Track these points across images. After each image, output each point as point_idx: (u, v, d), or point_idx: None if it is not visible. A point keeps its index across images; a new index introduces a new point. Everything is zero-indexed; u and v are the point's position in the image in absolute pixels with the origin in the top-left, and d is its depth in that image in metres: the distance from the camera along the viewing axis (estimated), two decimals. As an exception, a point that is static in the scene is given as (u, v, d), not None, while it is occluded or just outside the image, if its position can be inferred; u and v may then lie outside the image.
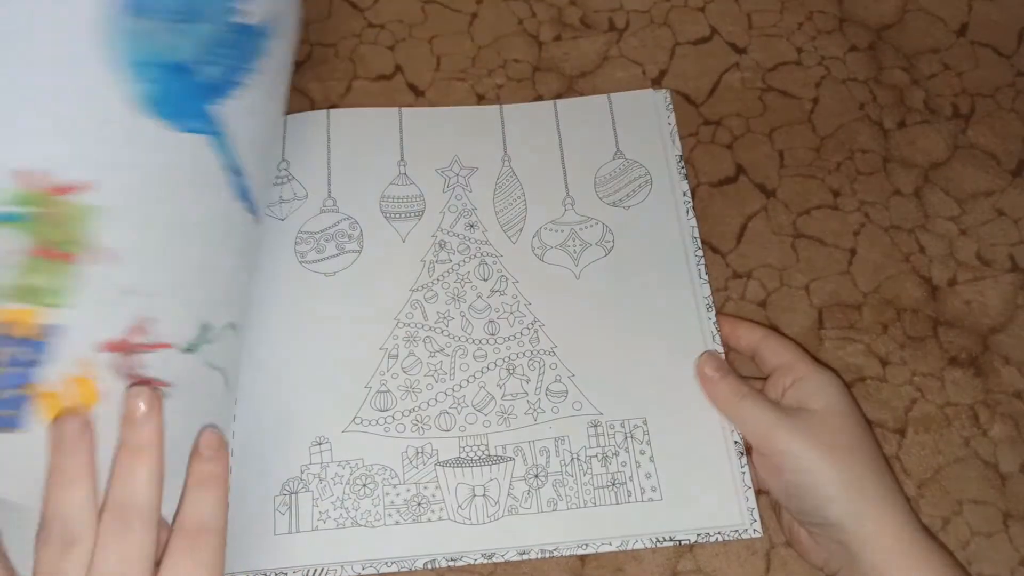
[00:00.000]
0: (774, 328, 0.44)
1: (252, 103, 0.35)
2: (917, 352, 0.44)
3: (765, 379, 0.40)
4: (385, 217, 0.44)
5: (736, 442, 0.39)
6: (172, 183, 0.32)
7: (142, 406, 0.29)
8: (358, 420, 0.39)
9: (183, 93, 0.32)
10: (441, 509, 0.38)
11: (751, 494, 0.38)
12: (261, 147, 0.37)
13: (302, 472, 0.38)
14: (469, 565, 0.37)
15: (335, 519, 0.37)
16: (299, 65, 0.51)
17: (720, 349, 0.41)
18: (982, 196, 0.47)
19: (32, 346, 0.28)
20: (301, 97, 0.50)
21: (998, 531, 0.40)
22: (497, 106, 0.48)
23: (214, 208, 0.34)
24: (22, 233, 0.28)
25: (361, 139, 0.46)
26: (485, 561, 0.37)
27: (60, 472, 0.28)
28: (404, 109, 0.47)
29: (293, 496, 0.38)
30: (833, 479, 0.35)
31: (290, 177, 0.45)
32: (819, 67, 0.51)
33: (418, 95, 0.50)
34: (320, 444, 0.39)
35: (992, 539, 0.40)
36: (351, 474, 0.38)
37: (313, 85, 0.51)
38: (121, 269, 0.30)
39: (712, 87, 0.50)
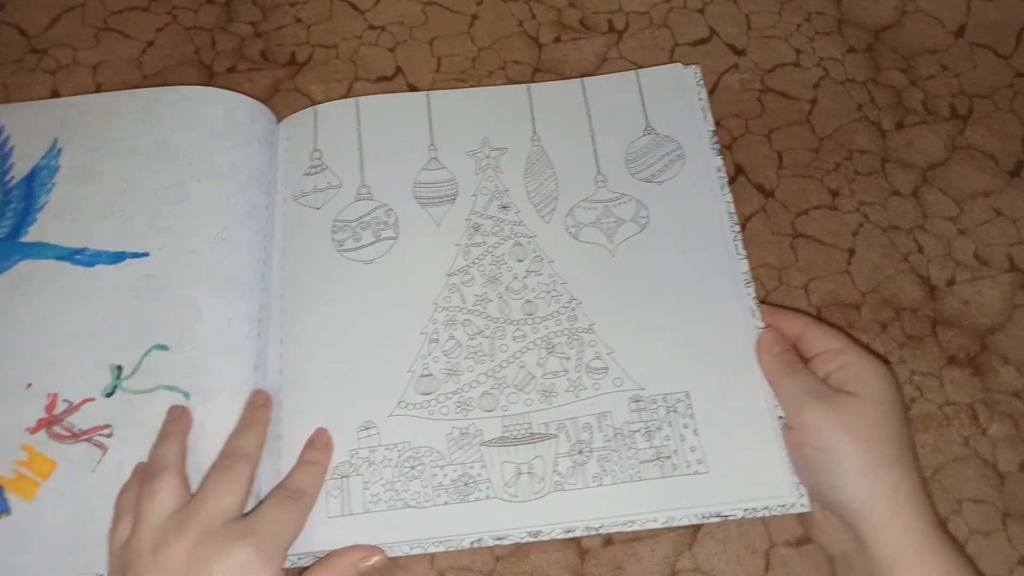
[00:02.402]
0: (817, 316, 0.43)
1: (62, 208, 0.44)
2: (916, 351, 0.44)
3: (807, 362, 0.39)
4: (419, 203, 0.45)
5: (780, 417, 0.38)
6: (19, 299, 0.42)
7: (260, 399, 0.40)
8: (403, 404, 0.40)
9: None
10: (488, 488, 0.38)
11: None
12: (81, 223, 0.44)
13: (351, 456, 0.39)
14: (516, 543, 0.37)
15: (386, 501, 0.38)
16: (300, 67, 0.52)
17: (760, 325, 0.40)
18: (980, 196, 0.48)
19: None
20: (302, 98, 0.51)
21: (997, 530, 0.40)
22: (525, 85, 0.48)
23: (52, 298, 0.42)
24: None
25: (391, 125, 0.47)
26: (531, 539, 0.37)
27: (159, 437, 0.38)
28: (431, 92, 0.48)
29: (344, 480, 0.38)
30: (852, 462, 0.35)
31: (323, 166, 0.46)
32: (817, 68, 0.51)
33: (418, 96, 0.51)
34: (368, 429, 0.39)
35: (991, 538, 0.40)
36: (399, 457, 0.39)
37: (314, 86, 0.51)
38: (4, 381, 0.40)
39: (711, 88, 0.51)
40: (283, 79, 0.51)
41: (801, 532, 0.40)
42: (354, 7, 0.54)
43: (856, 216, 0.47)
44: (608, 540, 0.40)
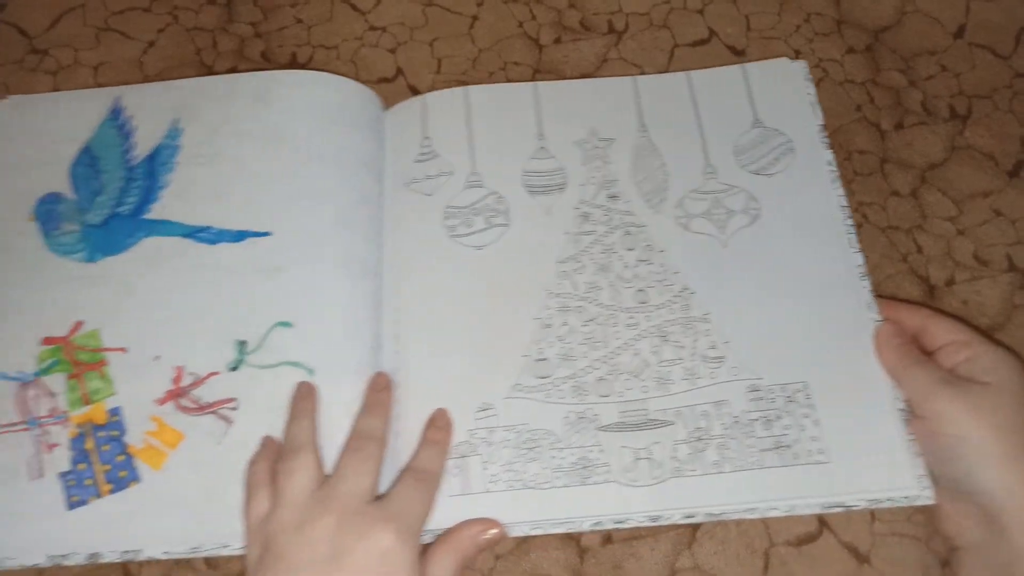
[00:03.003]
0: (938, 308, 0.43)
1: (184, 188, 0.45)
2: (915, 351, 0.44)
3: (930, 355, 0.39)
4: (528, 191, 0.45)
5: (901, 409, 0.38)
6: (145, 274, 0.43)
7: (383, 382, 0.40)
8: (519, 387, 0.40)
9: (119, 231, 0.44)
10: (607, 472, 0.38)
11: (920, 461, 0.37)
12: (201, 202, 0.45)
13: (470, 436, 0.39)
14: (635, 527, 0.38)
15: (506, 481, 0.38)
16: (301, 68, 0.52)
17: (877, 318, 0.41)
18: (979, 197, 0.48)
19: (112, 426, 0.40)
20: (303, 99, 0.51)
21: (996, 529, 0.40)
22: (631, 78, 0.48)
23: (177, 273, 0.43)
24: (62, 371, 0.41)
25: (499, 115, 0.47)
26: (651, 524, 0.37)
27: (291, 414, 0.39)
28: (539, 83, 0.48)
29: (464, 459, 0.39)
30: (989, 449, 0.35)
31: (434, 154, 0.46)
32: (817, 69, 0.51)
33: (419, 97, 0.51)
34: (485, 410, 0.40)
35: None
36: (517, 438, 0.39)
37: (315, 87, 0.51)
38: (133, 353, 0.41)
39: (711, 89, 0.51)
40: (284, 80, 0.51)
41: (802, 531, 0.40)
42: (355, 8, 0.54)
43: (855, 216, 0.47)
44: (608, 538, 0.40)
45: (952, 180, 0.48)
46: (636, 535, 0.40)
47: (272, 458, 0.38)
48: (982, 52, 0.52)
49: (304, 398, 0.39)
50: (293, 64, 0.52)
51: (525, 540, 0.40)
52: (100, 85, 0.51)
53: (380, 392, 0.40)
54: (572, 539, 0.40)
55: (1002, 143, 0.49)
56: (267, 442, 0.39)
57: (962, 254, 0.46)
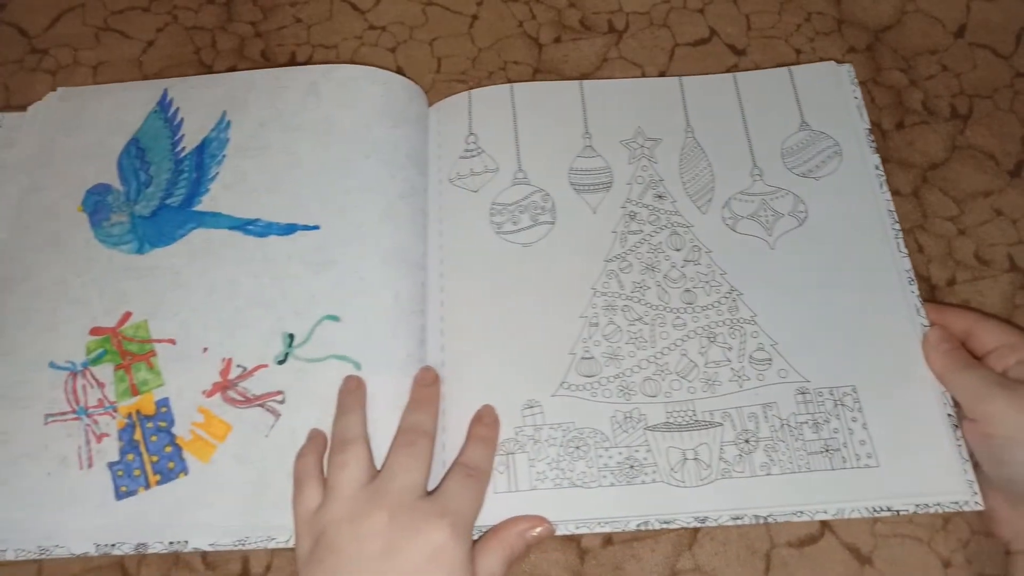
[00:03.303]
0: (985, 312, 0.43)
1: (233, 180, 0.46)
2: (916, 351, 0.44)
3: (980, 359, 0.39)
4: (575, 190, 0.45)
5: (949, 415, 0.38)
6: (194, 266, 0.43)
7: (430, 376, 0.40)
8: (565, 385, 0.40)
9: (168, 223, 0.45)
10: (654, 471, 0.38)
11: (969, 466, 0.37)
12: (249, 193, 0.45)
13: (516, 434, 0.39)
14: (683, 527, 0.38)
15: (552, 479, 0.38)
16: (301, 67, 0.52)
17: (925, 322, 0.41)
18: (980, 196, 0.48)
19: (160, 417, 0.40)
20: (302, 98, 0.51)
21: (998, 530, 0.40)
22: (676, 78, 0.48)
23: (226, 266, 0.43)
24: (110, 361, 0.41)
25: (545, 112, 0.47)
26: (698, 524, 0.37)
27: (340, 408, 0.39)
28: (584, 82, 0.48)
29: (510, 456, 0.39)
30: None
31: (479, 150, 0.46)
32: (818, 68, 0.51)
33: (419, 96, 0.51)
34: (532, 407, 0.40)
35: (992, 538, 0.40)
36: (564, 436, 0.39)
37: (314, 86, 0.51)
38: (181, 344, 0.41)
39: (711, 88, 0.51)
40: (283, 79, 0.51)
41: (803, 532, 0.40)
42: (354, 7, 0.54)
43: (856, 216, 0.47)
44: (608, 540, 0.40)
45: (953, 180, 0.48)
46: (637, 536, 0.40)
47: (320, 451, 0.38)
48: (983, 52, 0.52)
49: (352, 392, 0.39)
50: (292, 63, 0.52)
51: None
52: (99, 84, 0.51)
53: (428, 387, 0.40)
54: (572, 540, 0.40)
55: (1003, 143, 0.49)
56: (315, 435, 0.39)
57: (963, 254, 0.46)
